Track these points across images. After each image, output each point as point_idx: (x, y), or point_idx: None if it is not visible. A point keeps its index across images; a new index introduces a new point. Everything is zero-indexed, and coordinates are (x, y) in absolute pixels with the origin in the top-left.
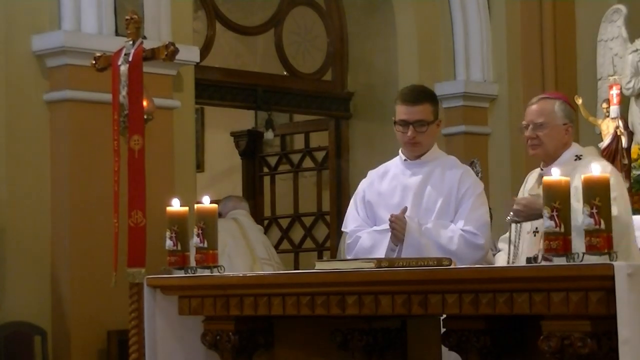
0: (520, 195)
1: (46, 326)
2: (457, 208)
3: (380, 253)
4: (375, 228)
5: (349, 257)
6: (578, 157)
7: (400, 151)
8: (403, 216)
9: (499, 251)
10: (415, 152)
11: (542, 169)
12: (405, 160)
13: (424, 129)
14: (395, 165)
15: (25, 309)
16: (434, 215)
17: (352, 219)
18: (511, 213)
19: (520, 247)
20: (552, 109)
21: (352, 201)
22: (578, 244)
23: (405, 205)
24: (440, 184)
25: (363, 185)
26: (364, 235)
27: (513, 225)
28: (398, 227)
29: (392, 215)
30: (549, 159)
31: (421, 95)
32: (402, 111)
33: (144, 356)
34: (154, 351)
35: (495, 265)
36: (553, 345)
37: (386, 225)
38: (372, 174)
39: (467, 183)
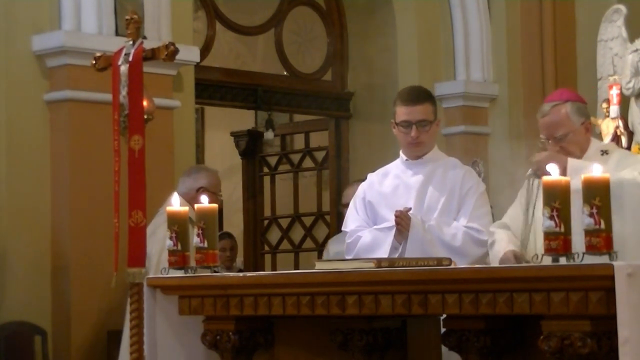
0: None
1: (46, 326)
2: (460, 206)
3: (383, 251)
4: (377, 226)
5: (348, 257)
6: (604, 152)
7: (400, 152)
8: (407, 212)
9: (494, 240)
10: (418, 152)
11: None
12: (406, 160)
13: (427, 129)
14: (396, 166)
15: (25, 309)
16: (436, 214)
17: (352, 219)
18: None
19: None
20: (565, 115)
21: (351, 203)
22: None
23: (408, 203)
24: (442, 183)
25: (363, 187)
26: (365, 233)
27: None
28: (403, 223)
29: (397, 211)
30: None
31: (421, 95)
32: (403, 112)
33: (144, 356)
34: (154, 351)
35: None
36: (553, 345)
37: (389, 224)
38: (371, 176)
39: (469, 182)
